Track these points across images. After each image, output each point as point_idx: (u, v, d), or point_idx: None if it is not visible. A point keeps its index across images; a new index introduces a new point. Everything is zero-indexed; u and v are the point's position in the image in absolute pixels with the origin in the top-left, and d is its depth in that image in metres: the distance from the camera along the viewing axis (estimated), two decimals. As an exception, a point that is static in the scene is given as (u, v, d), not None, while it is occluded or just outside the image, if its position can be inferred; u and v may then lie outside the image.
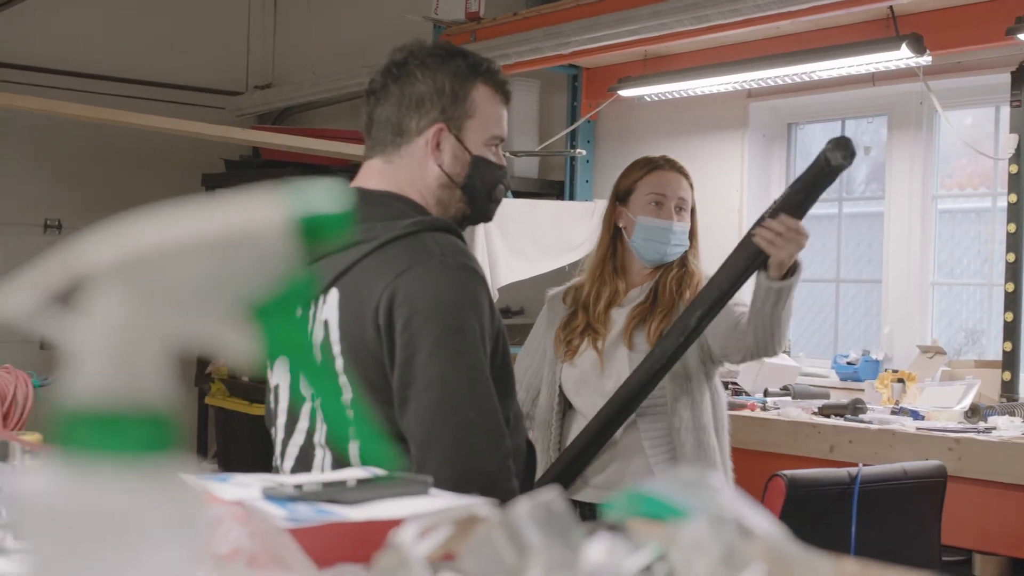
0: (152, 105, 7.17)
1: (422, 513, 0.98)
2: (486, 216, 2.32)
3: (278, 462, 2.25)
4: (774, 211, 2.89)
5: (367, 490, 1.50)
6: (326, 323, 2.12)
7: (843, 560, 0.89)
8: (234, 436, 6.91)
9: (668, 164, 3.26)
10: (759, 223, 2.90)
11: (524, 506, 0.92)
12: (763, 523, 0.89)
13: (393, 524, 1.12)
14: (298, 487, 1.46)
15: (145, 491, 0.55)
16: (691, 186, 3.26)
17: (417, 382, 2.04)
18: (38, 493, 0.55)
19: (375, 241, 2.11)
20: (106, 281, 0.56)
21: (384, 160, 2.23)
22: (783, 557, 0.87)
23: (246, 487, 1.47)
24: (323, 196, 0.57)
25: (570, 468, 3.05)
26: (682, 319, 2.95)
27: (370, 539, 1.23)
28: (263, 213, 0.55)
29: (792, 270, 2.90)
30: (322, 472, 2.06)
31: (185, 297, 0.55)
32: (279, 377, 2.27)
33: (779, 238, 2.82)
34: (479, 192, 2.25)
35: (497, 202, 2.31)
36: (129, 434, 0.56)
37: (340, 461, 2.09)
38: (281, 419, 2.25)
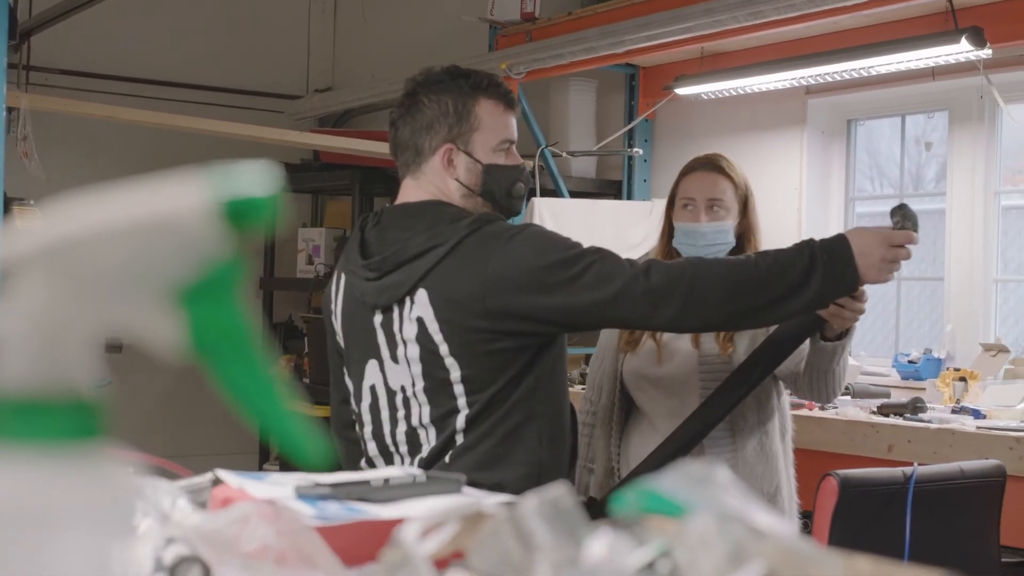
0: (212, 110, 7.22)
1: (428, 510, 0.97)
2: (512, 211, 2.62)
3: (391, 448, 2.54)
4: None
5: (399, 489, 1.50)
6: (420, 319, 2.44)
7: (854, 557, 0.88)
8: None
9: (702, 166, 3.18)
10: None
11: (531, 502, 0.91)
12: (771, 521, 0.87)
13: (419, 522, 1.12)
14: (330, 486, 1.47)
15: (64, 480, 0.54)
16: (734, 183, 3.16)
17: (572, 306, 2.38)
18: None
19: (448, 244, 2.42)
20: (29, 268, 0.56)
21: (412, 178, 2.57)
22: (792, 554, 0.86)
23: (280, 485, 1.48)
24: (249, 179, 0.56)
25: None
26: (743, 371, 2.94)
27: (398, 537, 1.23)
28: (188, 197, 0.55)
29: (846, 331, 2.96)
30: (430, 447, 2.46)
31: (110, 283, 0.55)
32: (372, 378, 2.55)
33: (843, 311, 2.86)
34: (498, 194, 2.57)
35: (520, 198, 2.62)
36: (51, 422, 0.55)
37: (446, 435, 2.45)
38: (385, 413, 2.53)
